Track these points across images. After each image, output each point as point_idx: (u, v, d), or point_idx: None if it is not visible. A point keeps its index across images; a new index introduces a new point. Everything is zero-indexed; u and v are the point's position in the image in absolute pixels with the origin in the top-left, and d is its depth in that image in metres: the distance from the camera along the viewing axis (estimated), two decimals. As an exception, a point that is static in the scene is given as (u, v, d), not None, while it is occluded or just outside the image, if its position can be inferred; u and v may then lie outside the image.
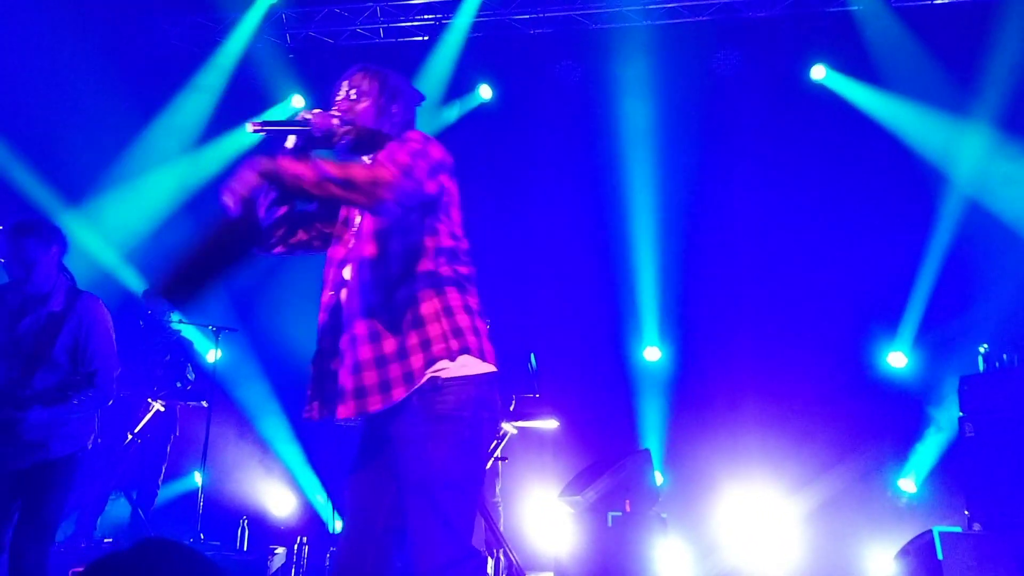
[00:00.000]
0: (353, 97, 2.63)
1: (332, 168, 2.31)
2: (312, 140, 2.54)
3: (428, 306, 2.41)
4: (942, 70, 7.15)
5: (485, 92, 8.34)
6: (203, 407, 6.58)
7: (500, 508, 6.14)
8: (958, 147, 7.18)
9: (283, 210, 2.67)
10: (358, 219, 2.59)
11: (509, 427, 5.86)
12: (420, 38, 8.26)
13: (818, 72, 7.66)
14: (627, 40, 7.75)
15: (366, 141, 2.61)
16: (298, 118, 2.54)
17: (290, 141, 2.53)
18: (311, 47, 8.45)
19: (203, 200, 8.20)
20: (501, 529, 5.71)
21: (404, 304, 2.40)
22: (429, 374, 2.33)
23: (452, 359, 2.34)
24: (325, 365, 2.47)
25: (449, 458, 2.27)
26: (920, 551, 4.88)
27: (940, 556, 4.72)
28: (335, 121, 2.56)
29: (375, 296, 2.41)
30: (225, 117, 8.30)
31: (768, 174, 7.72)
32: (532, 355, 6.02)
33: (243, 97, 8.32)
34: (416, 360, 2.34)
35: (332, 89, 2.69)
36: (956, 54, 7.11)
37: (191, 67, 8.23)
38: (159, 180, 8.07)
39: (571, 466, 6.83)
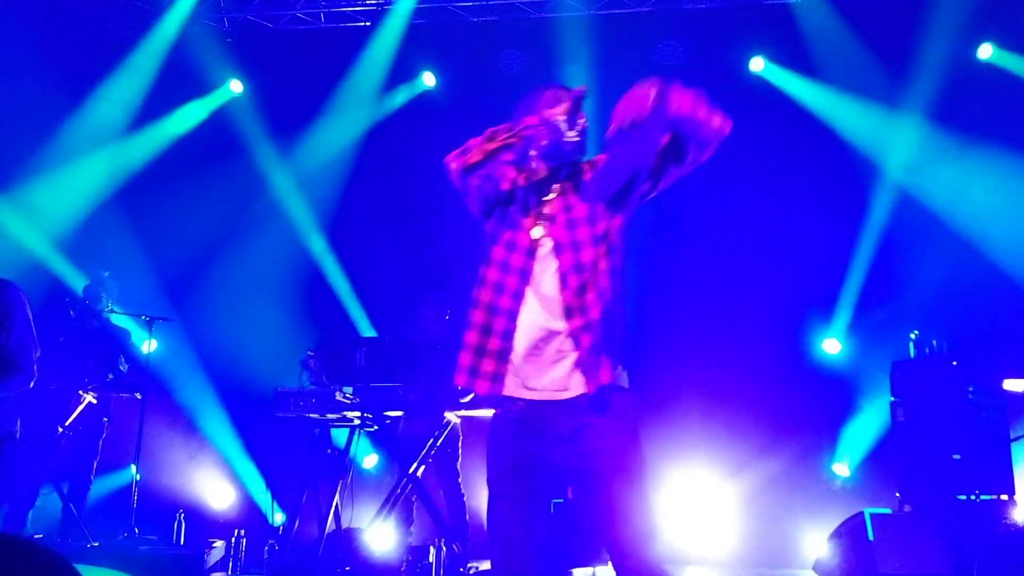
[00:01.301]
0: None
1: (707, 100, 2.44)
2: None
3: (620, 306, 2.60)
4: (876, 62, 7.32)
5: (428, 79, 8.27)
6: (137, 399, 6.41)
7: (462, 496, 6.13)
8: (890, 138, 7.36)
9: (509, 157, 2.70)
10: (554, 201, 2.66)
11: (452, 416, 5.85)
12: (362, 23, 8.14)
13: (756, 64, 7.78)
14: (570, 30, 7.76)
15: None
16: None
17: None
18: (249, 31, 8.27)
19: (137, 186, 7.99)
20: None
21: (614, 301, 2.58)
22: (618, 373, 2.52)
23: (625, 368, 2.57)
24: (503, 344, 2.53)
25: (643, 447, 2.54)
26: (852, 532, 5.01)
27: (871, 537, 4.85)
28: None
29: (593, 291, 2.54)
30: (159, 101, 8.09)
31: (706, 164, 7.80)
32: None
33: (178, 81, 8.11)
34: (610, 358, 2.50)
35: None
36: (890, 46, 7.27)
37: (124, 49, 7.99)
38: (91, 165, 7.83)
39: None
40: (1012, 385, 5.88)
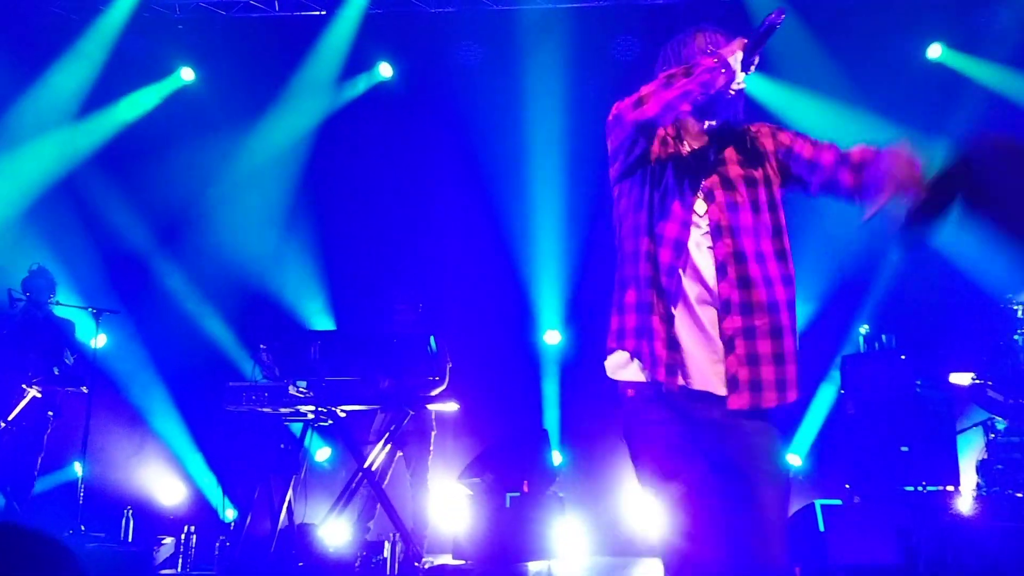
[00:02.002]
0: None
1: None
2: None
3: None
4: (830, 59, 7.42)
5: (385, 70, 8.18)
6: (84, 393, 6.26)
7: (428, 491, 6.10)
8: (844, 135, 7.46)
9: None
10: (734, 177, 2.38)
11: (423, 410, 5.82)
12: (317, 12, 8.02)
13: (713, 60, 7.81)
14: (529, 23, 7.74)
15: None
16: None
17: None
18: (201, 18, 8.08)
19: (84, 174, 7.80)
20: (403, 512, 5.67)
21: (793, 302, 2.36)
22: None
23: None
24: (687, 336, 2.27)
25: None
26: (802, 523, 5.08)
27: (822, 528, 4.92)
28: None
29: (780, 287, 2.33)
30: (107, 88, 7.88)
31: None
32: (432, 338, 5.97)
33: (126, 68, 7.91)
34: (794, 367, 2.35)
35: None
36: (844, 44, 7.37)
37: (71, 34, 7.77)
38: (36, 153, 7.61)
39: (470, 449, 6.83)
40: (958, 379, 6.01)
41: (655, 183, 2.36)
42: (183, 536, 5.60)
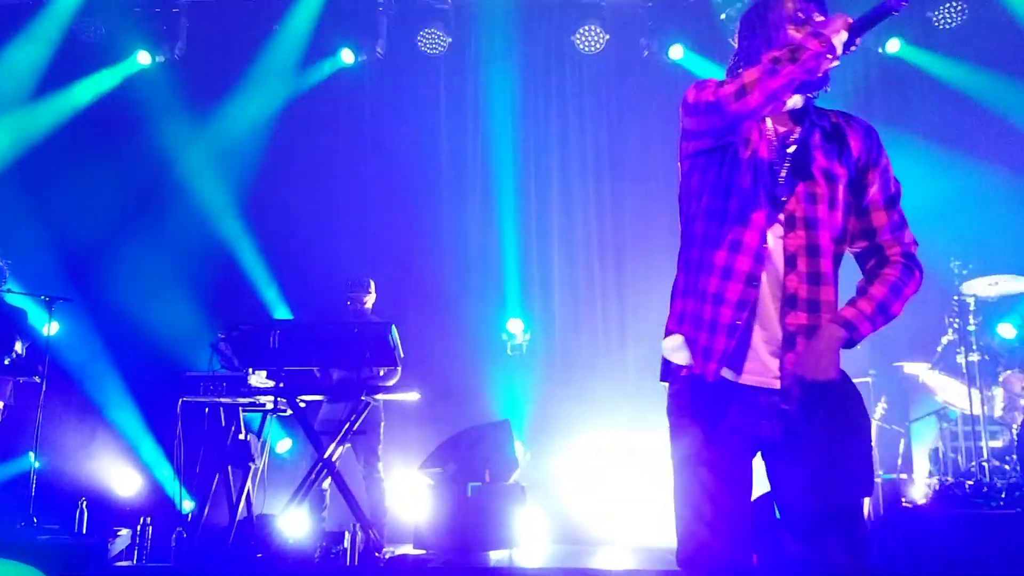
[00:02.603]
0: None
1: None
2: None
3: None
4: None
5: (347, 56, 8.09)
6: (36, 383, 6.13)
7: (382, 481, 6.07)
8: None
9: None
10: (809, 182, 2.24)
11: (369, 399, 5.78)
12: (278, -4, 7.91)
13: (676, 52, 7.85)
14: (491, 11, 7.70)
15: None
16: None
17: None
18: (159, 1, 7.92)
19: (37, 159, 7.62)
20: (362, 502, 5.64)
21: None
22: None
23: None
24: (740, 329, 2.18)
25: None
26: (759, 512, 5.14)
27: (778, 515, 4.98)
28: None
29: (834, 288, 2.27)
30: (61, 71, 7.70)
31: (628, 150, 7.89)
32: (393, 327, 5.94)
33: (82, 50, 7.74)
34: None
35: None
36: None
37: (24, 16, 7.58)
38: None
39: (432, 438, 6.81)
40: (912, 368, 6.12)
41: (735, 164, 2.24)
42: (139, 528, 5.51)
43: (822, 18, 2.24)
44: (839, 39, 2.12)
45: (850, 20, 2.14)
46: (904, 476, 5.93)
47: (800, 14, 2.25)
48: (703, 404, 2.23)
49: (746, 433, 2.22)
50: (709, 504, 2.19)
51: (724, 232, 2.22)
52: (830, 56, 2.12)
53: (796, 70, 2.10)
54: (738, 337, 2.18)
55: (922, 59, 7.56)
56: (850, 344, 2.20)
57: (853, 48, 2.17)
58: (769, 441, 2.22)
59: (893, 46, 7.59)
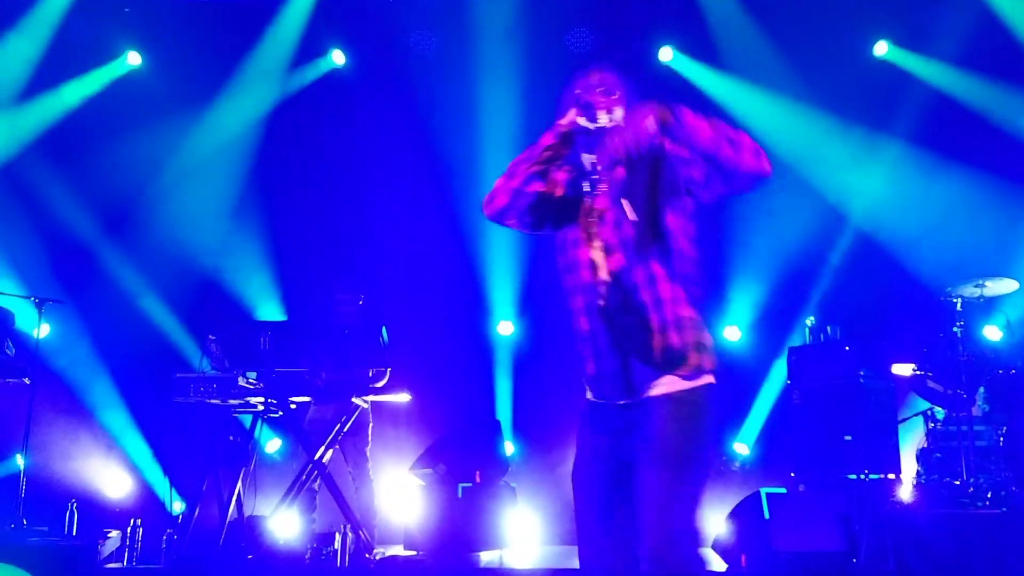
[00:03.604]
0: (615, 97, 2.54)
1: (726, 126, 2.26)
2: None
3: None
4: (777, 52, 7.52)
5: (338, 57, 8.09)
6: (26, 384, 6.11)
7: (372, 482, 6.07)
8: (789, 129, 7.58)
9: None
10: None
11: (360, 401, 5.78)
12: (269, -4, 7.89)
13: (665, 54, 7.89)
14: (483, 11, 7.71)
15: None
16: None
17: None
18: (149, 0, 7.90)
19: (26, 160, 7.59)
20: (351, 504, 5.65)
21: None
22: None
23: None
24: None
25: None
26: (748, 511, 5.17)
27: (767, 515, 5.02)
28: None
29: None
30: (50, 72, 7.66)
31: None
32: (383, 329, 5.95)
33: (71, 51, 7.70)
34: None
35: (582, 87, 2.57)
36: (792, 37, 7.47)
37: (13, 15, 7.54)
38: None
39: (422, 439, 6.82)
40: (900, 369, 6.16)
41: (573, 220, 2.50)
42: (129, 529, 5.51)
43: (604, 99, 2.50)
44: (568, 124, 2.48)
45: (577, 112, 2.47)
46: (892, 476, 5.97)
47: (598, 89, 2.53)
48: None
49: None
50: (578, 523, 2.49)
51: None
52: (562, 140, 2.47)
53: (532, 165, 2.48)
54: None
55: (911, 62, 7.61)
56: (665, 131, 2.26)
57: (604, 113, 2.47)
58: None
59: (881, 48, 7.63)
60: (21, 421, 6.09)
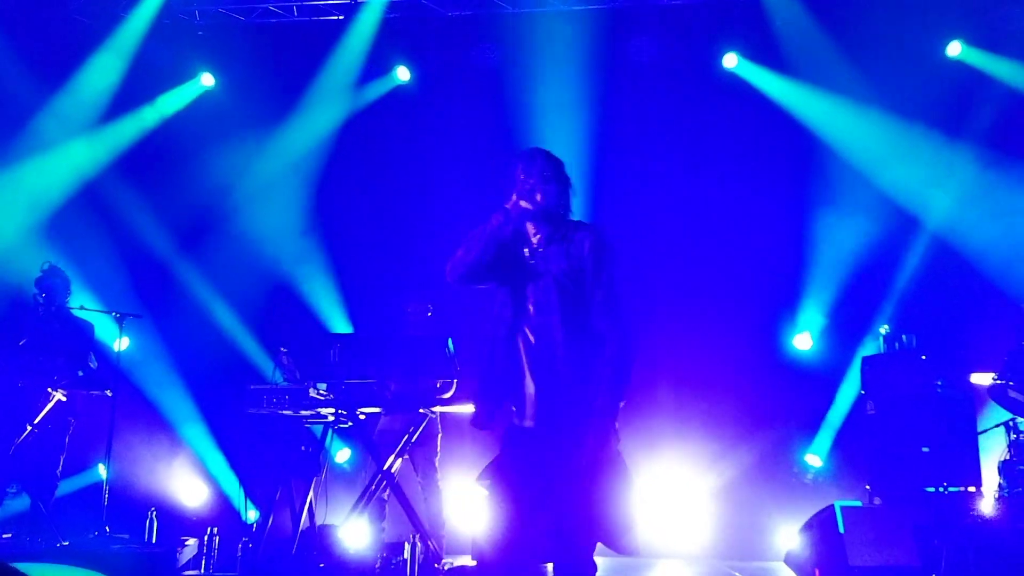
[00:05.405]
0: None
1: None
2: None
3: None
4: (846, 58, 7.37)
5: (403, 74, 8.23)
6: (107, 396, 6.33)
7: (440, 492, 6.11)
8: (861, 135, 7.43)
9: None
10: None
11: (428, 412, 5.84)
12: (335, 17, 8.08)
13: (730, 60, 7.81)
14: (544, 25, 7.75)
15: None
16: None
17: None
18: (221, 24, 8.17)
19: (108, 179, 7.89)
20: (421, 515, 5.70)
21: None
22: None
23: None
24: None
25: None
26: (822, 525, 5.07)
27: (842, 530, 4.91)
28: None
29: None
30: (130, 95, 7.98)
31: (682, 161, 7.85)
32: (449, 340, 6.00)
33: (149, 74, 8.01)
34: None
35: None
36: (862, 41, 7.32)
37: (91, 43, 7.87)
38: (61, 158, 7.72)
39: (489, 450, 6.83)
40: (979, 379, 5.97)
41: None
42: (206, 537, 5.65)
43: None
44: (513, 207, 3.04)
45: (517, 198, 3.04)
46: (972, 489, 5.78)
47: (522, 175, 3.16)
48: None
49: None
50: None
51: None
52: (506, 221, 3.02)
53: (483, 243, 3.03)
54: None
55: (985, 61, 7.38)
56: None
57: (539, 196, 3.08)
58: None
59: (954, 49, 7.42)
60: (104, 432, 6.32)
